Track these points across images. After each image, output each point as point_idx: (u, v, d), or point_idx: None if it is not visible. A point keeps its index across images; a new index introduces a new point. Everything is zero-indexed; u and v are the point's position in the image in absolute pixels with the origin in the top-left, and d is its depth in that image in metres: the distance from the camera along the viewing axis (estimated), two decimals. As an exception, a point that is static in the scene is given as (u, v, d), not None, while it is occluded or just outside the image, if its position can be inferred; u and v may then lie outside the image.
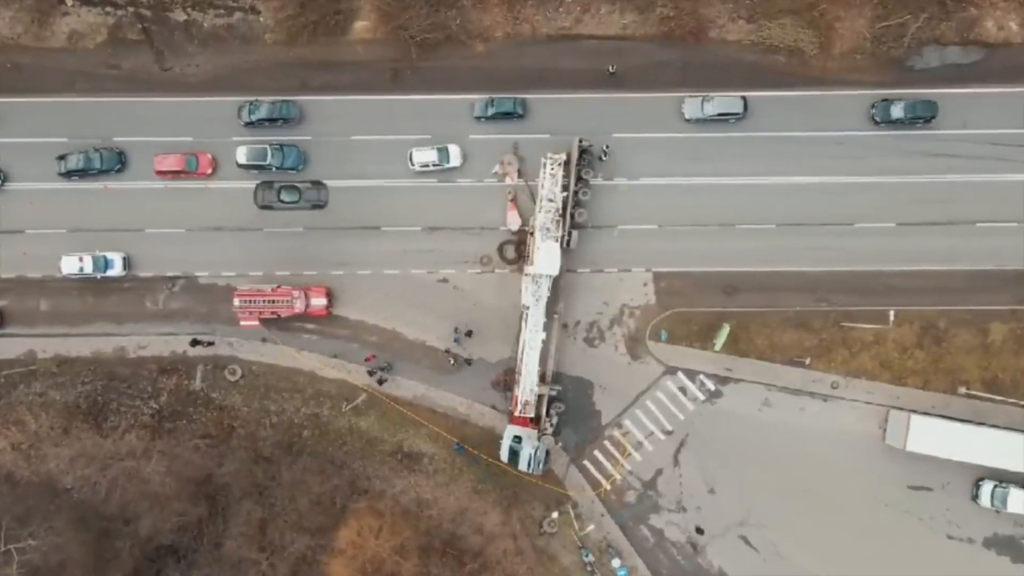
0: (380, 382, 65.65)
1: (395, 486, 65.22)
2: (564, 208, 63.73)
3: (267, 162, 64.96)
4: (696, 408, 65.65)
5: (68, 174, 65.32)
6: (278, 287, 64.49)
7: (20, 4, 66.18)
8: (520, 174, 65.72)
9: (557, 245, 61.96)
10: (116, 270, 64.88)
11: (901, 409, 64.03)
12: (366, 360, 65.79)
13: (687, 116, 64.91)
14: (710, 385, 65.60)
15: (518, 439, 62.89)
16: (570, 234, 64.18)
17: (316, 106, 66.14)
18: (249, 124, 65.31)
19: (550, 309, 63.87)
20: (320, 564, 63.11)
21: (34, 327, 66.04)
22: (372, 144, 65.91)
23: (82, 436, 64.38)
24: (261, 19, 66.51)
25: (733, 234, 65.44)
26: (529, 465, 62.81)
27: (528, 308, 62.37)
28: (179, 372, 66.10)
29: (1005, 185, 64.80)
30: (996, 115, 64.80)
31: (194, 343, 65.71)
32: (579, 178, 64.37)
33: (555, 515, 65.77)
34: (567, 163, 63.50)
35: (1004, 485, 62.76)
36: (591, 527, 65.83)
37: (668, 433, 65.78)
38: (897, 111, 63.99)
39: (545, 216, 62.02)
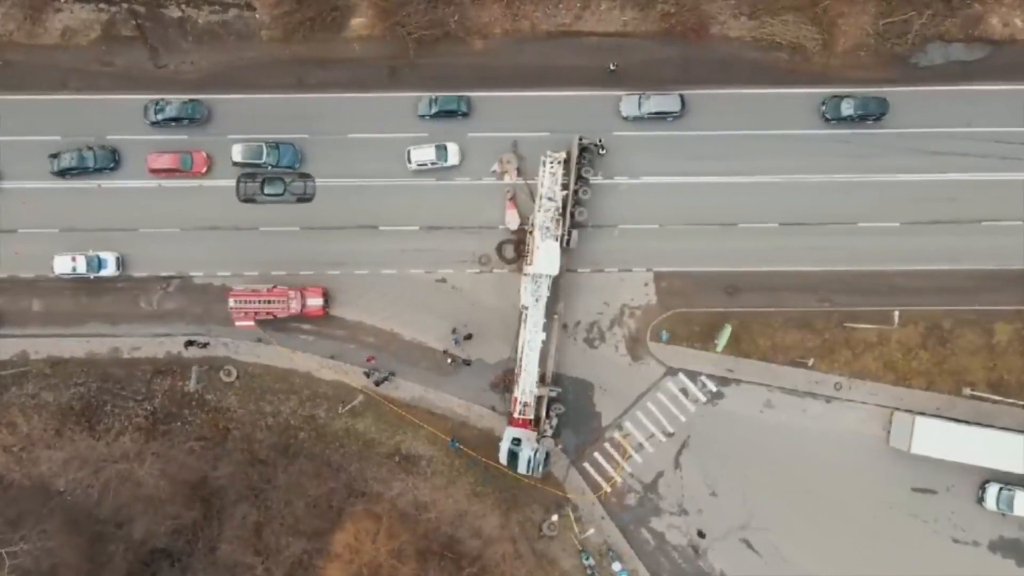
0: (377, 383, 65.22)
1: (392, 489, 64.99)
2: (564, 207, 63.38)
3: (263, 160, 64.59)
4: (697, 410, 65.32)
5: (61, 173, 65.08)
6: (274, 287, 64.10)
7: (12, 0, 65.73)
8: (519, 172, 65.38)
9: (557, 244, 61.59)
10: (110, 270, 64.65)
11: (905, 411, 63.53)
12: (367, 360, 65.44)
13: (624, 114, 64.60)
14: (711, 386, 65.24)
15: (517, 441, 62.56)
16: (570, 233, 63.83)
17: (312, 104, 65.73)
18: (155, 124, 64.83)
19: (550, 309, 63.55)
20: (316, 568, 62.82)
21: (27, 328, 65.83)
22: (369, 142, 65.51)
23: (75, 438, 64.26)
24: (257, 16, 66.17)
25: (735, 233, 65.07)
26: (528, 467, 62.46)
27: (527, 308, 62.00)
28: (174, 373, 65.93)
29: (1010, 183, 64.36)
30: (1001, 113, 64.30)
31: (188, 344, 65.30)
32: (579, 176, 64.03)
33: (555, 518, 65.47)
34: (567, 161, 63.14)
35: (1010, 488, 62.29)
36: (591, 530, 65.50)
37: (669, 435, 65.48)
38: (847, 108, 63.58)
39: (545, 215, 61.65)
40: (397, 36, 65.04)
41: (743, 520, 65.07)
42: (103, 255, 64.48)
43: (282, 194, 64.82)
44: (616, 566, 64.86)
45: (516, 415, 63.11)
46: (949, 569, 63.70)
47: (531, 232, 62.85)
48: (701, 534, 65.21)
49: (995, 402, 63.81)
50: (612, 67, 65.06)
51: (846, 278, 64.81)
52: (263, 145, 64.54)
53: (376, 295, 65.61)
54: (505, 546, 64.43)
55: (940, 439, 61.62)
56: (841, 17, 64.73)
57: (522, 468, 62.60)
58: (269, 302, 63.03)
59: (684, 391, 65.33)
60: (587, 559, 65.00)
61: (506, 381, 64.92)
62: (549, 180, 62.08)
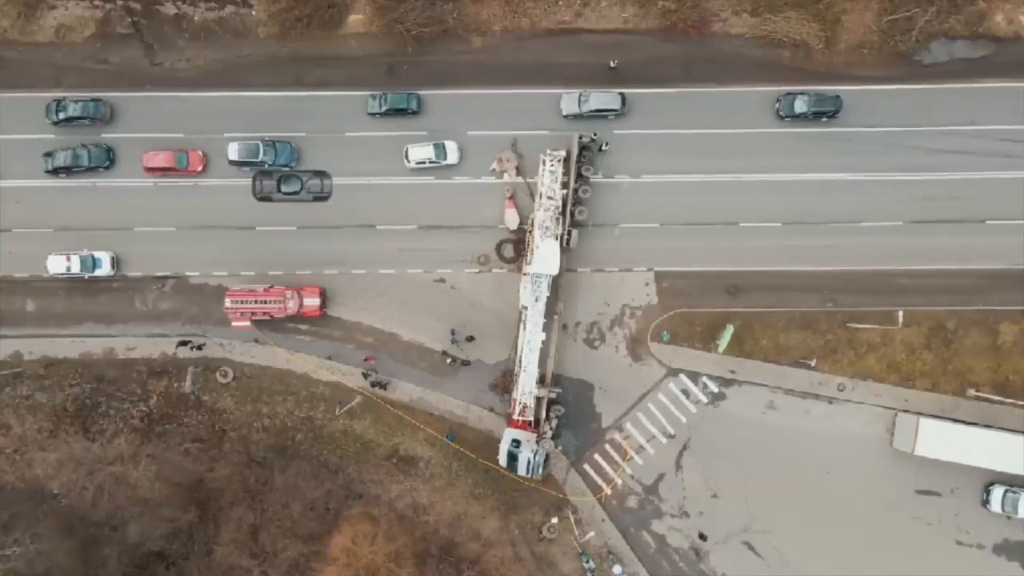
0: (374, 385, 64.88)
1: (390, 491, 64.69)
2: (564, 206, 63.02)
3: (259, 159, 64.16)
4: (699, 411, 64.99)
5: (55, 171, 64.61)
6: (271, 287, 63.68)
7: (6, -3, 65.49)
8: (519, 171, 64.91)
9: (557, 244, 61.21)
10: (104, 270, 64.18)
11: (909, 412, 63.15)
12: (365, 360, 65.08)
13: (564, 112, 64.16)
14: (713, 387, 64.87)
15: (517, 443, 62.33)
16: (570, 232, 63.47)
17: (310, 101, 65.27)
18: (57, 123, 64.22)
19: (549, 309, 63.23)
20: (313, 571, 62.28)
21: (21, 328, 65.42)
22: (367, 140, 65.07)
23: (69, 440, 63.90)
24: (253, 12, 65.86)
25: (737, 233, 64.69)
26: (528, 469, 62.20)
27: (527, 308, 61.66)
28: (169, 374, 65.53)
29: (1014, 182, 63.97)
30: (1005, 110, 63.91)
31: (181, 344, 64.90)
32: (579, 175, 63.64)
33: (555, 520, 65.12)
34: (567, 160, 62.76)
35: (1015, 490, 61.97)
36: (592, 533, 65.13)
37: (670, 436, 65.16)
38: (801, 105, 63.11)
39: (544, 214, 61.27)
40: (395, 33, 64.66)
41: (745, 522, 64.74)
42: (98, 255, 63.99)
43: (299, 192, 64.32)
44: (617, 569, 64.56)
45: (516, 416, 62.83)
46: (953, 572, 63.32)
47: (531, 231, 62.54)
48: (703, 536, 64.88)
49: (1000, 403, 63.42)
50: (612, 64, 64.64)
51: (849, 278, 64.48)
52: (259, 143, 64.08)
53: (374, 295, 65.21)
54: (504, 549, 64.15)
55: (944, 441, 61.29)
56: (844, 14, 64.60)
57: (522, 470, 62.36)
58: (266, 302, 62.60)
59: (685, 392, 64.98)
60: (587, 562, 64.67)
61: (505, 382, 64.61)
62: (549, 179, 61.71)
